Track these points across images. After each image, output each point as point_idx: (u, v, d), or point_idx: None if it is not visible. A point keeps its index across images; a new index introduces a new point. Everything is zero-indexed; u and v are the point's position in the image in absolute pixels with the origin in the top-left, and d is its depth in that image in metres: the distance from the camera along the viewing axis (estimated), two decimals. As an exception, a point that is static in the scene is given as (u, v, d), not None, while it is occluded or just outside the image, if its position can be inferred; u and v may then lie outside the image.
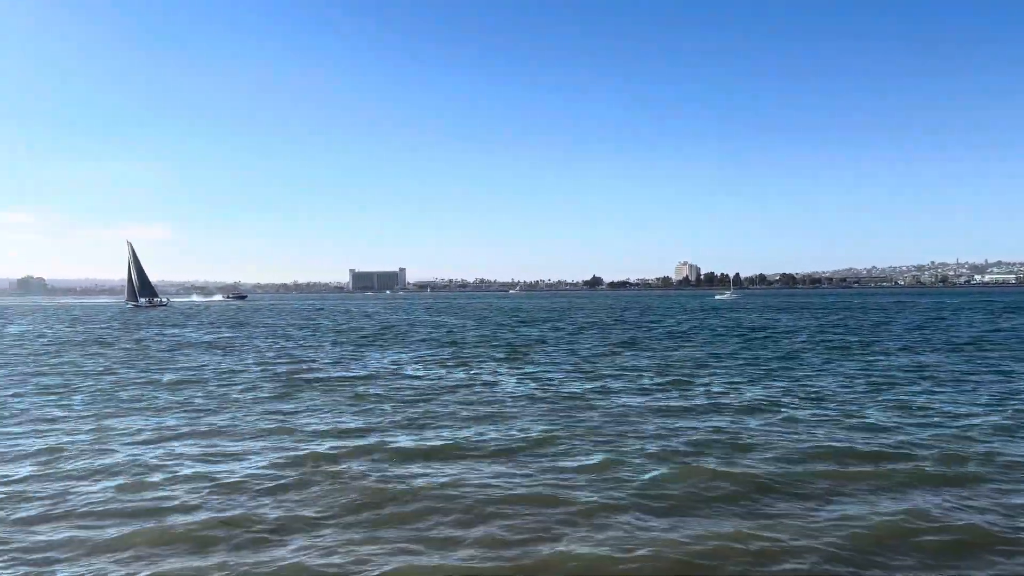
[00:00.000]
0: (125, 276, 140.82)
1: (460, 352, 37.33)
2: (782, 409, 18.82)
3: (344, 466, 13.23)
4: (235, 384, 25.06)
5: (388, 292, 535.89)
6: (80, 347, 44.07)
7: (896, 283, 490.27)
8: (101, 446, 15.17)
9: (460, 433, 16.20)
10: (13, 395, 22.81)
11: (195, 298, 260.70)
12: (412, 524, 10.18)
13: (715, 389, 22.52)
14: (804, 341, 41.40)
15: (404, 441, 15.42)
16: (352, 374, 27.82)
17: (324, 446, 14.88)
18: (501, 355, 35.13)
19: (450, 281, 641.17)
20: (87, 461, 13.82)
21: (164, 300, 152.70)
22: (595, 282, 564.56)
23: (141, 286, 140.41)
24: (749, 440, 15.11)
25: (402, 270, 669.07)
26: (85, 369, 30.54)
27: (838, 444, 14.62)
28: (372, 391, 23.10)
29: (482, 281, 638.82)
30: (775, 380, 24.66)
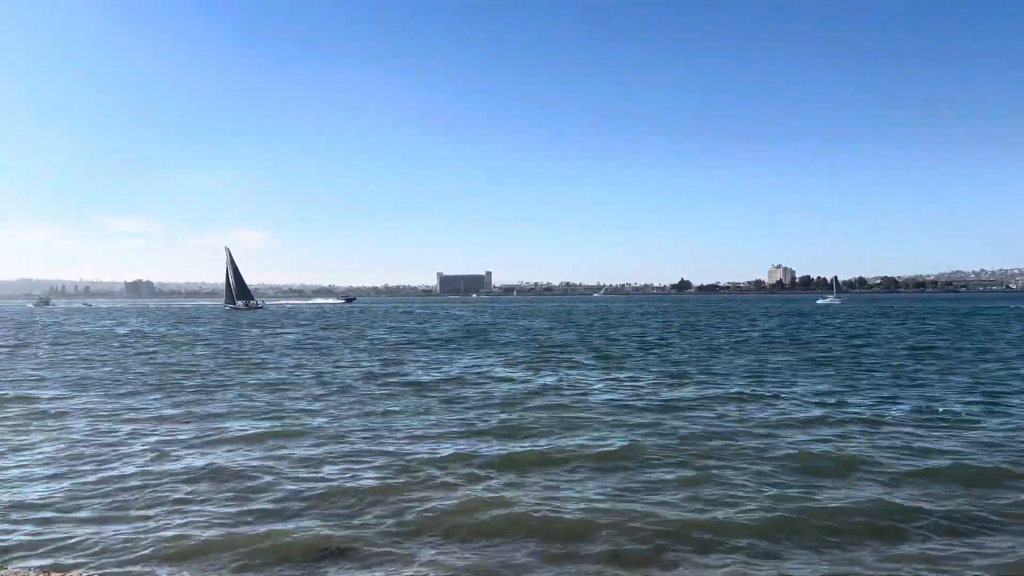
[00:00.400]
0: (227, 279, 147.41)
1: (548, 355, 36.81)
2: (898, 426, 17.40)
3: (441, 473, 12.81)
4: (330, 385, 25.28)
5: (474, 295, 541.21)
6: (185, 347, 45.86)
7: (1007, 287, 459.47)
8: (202, 447, 15.35)
9: (558, 442, 15.51)
10: (125, 393, 23.66)
11: (317, 300, 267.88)
12: (507, 538, 9.67)
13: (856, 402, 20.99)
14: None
15: (499, 448, 14.93)
16: (442, 376, 27.70)
17: (421, 451, 14.54)
18: (589, 359, 34.40)
19: (535, 284, 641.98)
20: (187, 461, 13.96)
21: (260, 303, 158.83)
22: (683, 285, 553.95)
23: (238, 289, 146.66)
24: (857, 455, 13.91)
25: (488, 273, 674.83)
26: (188, 368, 31.57)
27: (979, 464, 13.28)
28: (463, 393, 22.85)
29: (567, 285, 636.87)
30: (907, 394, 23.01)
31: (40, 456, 14.52)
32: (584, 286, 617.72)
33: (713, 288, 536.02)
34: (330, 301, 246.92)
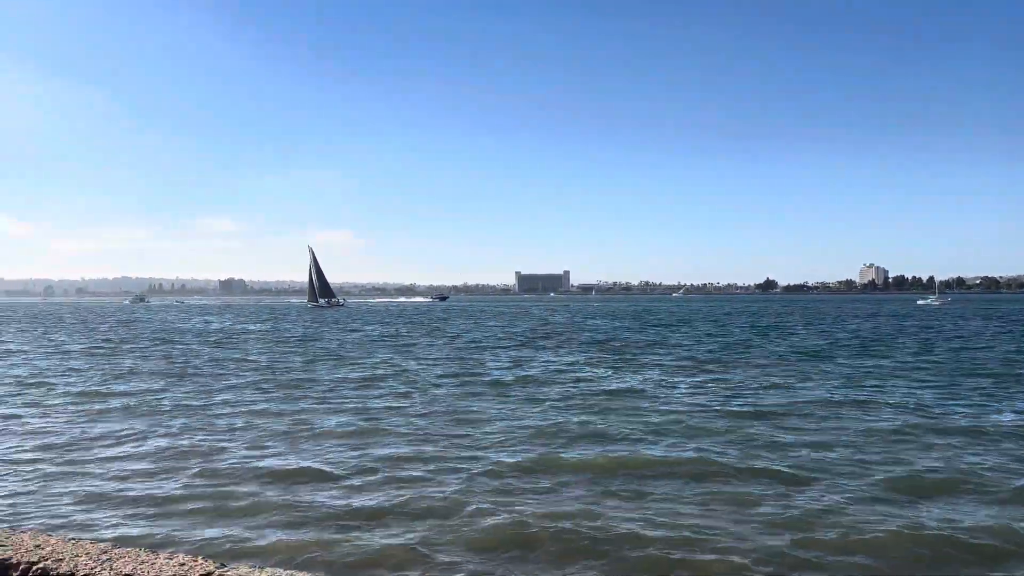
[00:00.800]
0: (310, 278, 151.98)
1: (628, 354, 36.24)
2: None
3: (521, 479, 12.64)
4: (414, 383, 25.52)
5: (552, 294, 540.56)
6: (275, 344, 47.36)
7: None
8: (294, 444, 15.67)
9: (641, 448, 15.08)
10: (222, 388, 24.50)
11: (401, 299, 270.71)
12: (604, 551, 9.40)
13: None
14: None
15: (581, 453, 14.59)
16: (523, 374, 27.57)
17: (502, 455, 14.43)
18: (671, 359, 33.64)
19: (614, 284, 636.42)
20: (279, 459, 14.25)
21: (341, 300, 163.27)
22: (768, 285, 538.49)
23: (320, 287, 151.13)
24: (974, 472, 12.97)
25: (566, 272, 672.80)
26: (279, 365, 32.49)
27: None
28: (544, 393, 22.63)
29: (647, 284, 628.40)
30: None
31: (146, 449, 15.10)
32: (664, 285, 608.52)
33: (800, 288, 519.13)
34: (423, 299, 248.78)
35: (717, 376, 27.53)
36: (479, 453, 14.59)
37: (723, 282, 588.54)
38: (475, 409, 19.82)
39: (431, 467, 13.47)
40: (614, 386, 24.54)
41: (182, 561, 3.51)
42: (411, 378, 27.35)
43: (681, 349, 40.77)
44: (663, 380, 26.33)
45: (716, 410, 19.56)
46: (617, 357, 35.58)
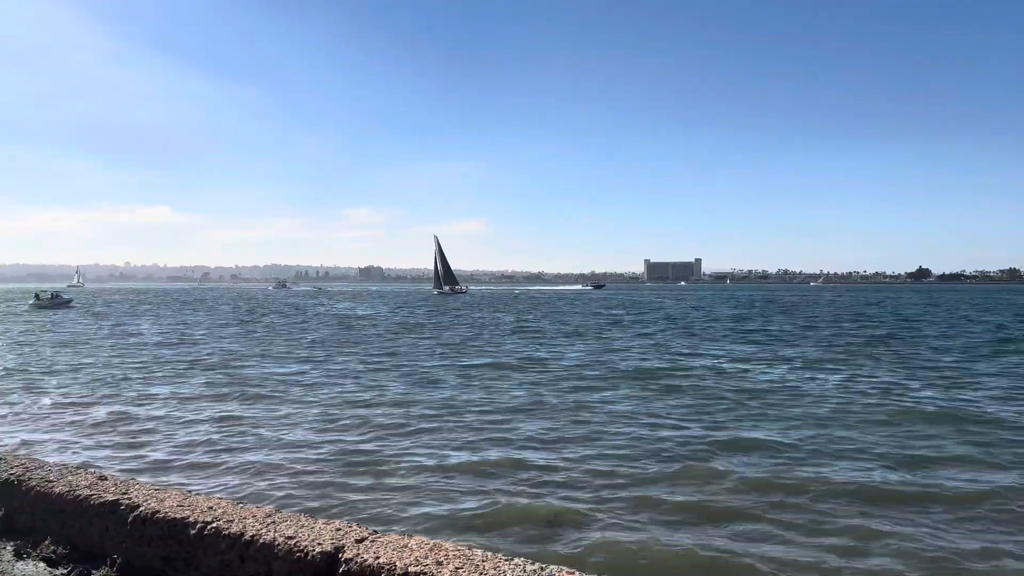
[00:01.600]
0: (435, 266, 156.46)
1: (775, 347, 34.75)
2: None
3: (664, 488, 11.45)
4: (548, 371, 25.41)
5: (683, 283, 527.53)
6: (415, 328, 49.12)
7: None
8: (442, 424, 16.20)
9: (805, 460, 13.10)
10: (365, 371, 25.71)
11: (578, 286, 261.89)
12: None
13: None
14: None
15: (727, 458, 13.16)
16: (661, 366, 26.98)
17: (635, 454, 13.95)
18: (820, 353, 31.86)
19: (749, 272, 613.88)
20: (432, 437, 14.76)
21: (463, 288, 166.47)
22: (921, 274, 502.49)
23: (445, 275, 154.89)
24: None
25: (698, 260, 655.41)
26: (414, 350, 33.65)
27: None
28: (681, 385, 22.07)
29: (785, 272, 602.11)
30: None
31: (309, 419, 16.09)
32: (804, 274, 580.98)
33: (957, 277, 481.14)
34: (578, 287, 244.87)
35: (880, 373, 25.97)
36: (615, 440, 14.49)
37: (870, 270, 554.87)
38: (617, 400, 19.66)
39: (580, 450, 13.51)
40: (762, 382, 23.64)
41: (338, 526, 3.72)
42: (550, 365, 27.50)
43: (829, 342, 38.75)
44: (815, 375, 25.14)
45: (877, 405, 18.44)
46: (765, 350, 34.25)
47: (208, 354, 31.49)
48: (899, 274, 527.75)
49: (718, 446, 14.00)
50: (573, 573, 3.19)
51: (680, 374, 24.63)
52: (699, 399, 19.45)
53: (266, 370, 25.65)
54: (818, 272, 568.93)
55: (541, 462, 12.69)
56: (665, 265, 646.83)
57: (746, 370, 25.78)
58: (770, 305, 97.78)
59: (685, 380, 23.07)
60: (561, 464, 12.56)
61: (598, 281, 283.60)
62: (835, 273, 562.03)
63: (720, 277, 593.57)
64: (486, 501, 10.49)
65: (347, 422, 16.26)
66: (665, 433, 15.20)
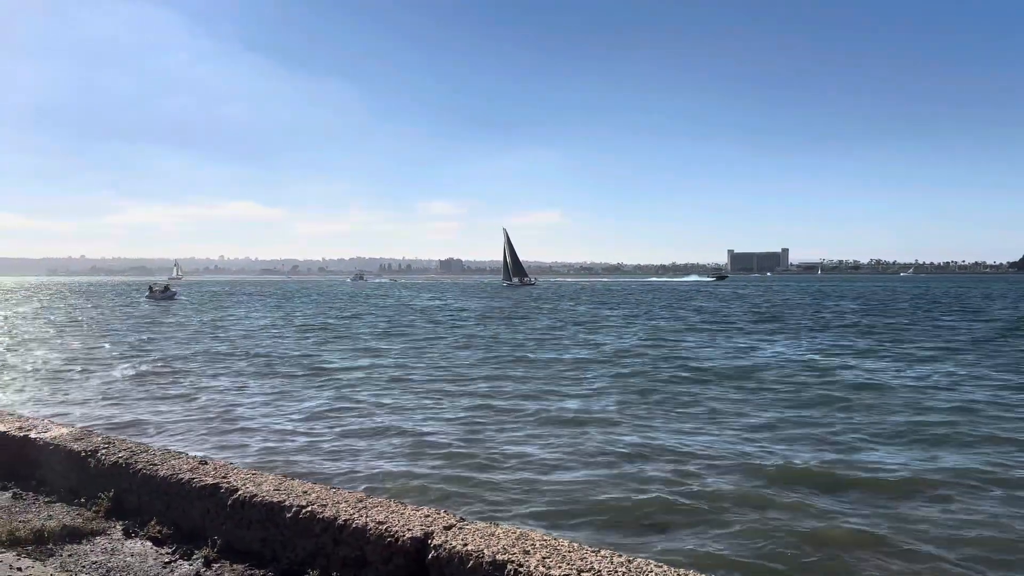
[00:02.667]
0: (504, 258, 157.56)
1: (870, 339, 33.17)
2: None
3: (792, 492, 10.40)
4: (624, 366, 24.87)
5: (769, 274, 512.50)
6: (499, 321, 49.51)
7: None
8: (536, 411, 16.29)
9: (905, 460, 11.86)
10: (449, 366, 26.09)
11: (693, 277, 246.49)
12: None
13: None
14: None
15: (818, 465, 11.62)
16: (744, 363, 26.09)
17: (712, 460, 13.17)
18: (914, 347, 30.34)
19: (839, 262, 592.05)
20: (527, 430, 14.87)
21: (532, 279, 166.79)
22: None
23: (514, 267, 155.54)
24: None
25: (784, 250, 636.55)
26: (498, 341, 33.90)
27: None
28: (770, 385, 21.34)
29: (878, 262, 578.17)
30: None
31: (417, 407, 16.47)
32: (899, 263, 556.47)
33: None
34: (694, 279, 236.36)
35: (990, 371, 24.54)
36: (691, 444, 14.21)
37: (968, 259, 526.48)
38: (703, 402, 19.31)
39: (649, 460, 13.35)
40: (849, 377, 22.76)
41: (427, 513, 3.78)
42: (625, 360, 27.28)
43: (920, 336, 36.95)
44: (915, 371, 24.02)
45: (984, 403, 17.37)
46: (859, 345, 32.98)
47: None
48: (1001, 263, 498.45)
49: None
50: (661, 567, 3.15)
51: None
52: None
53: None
54: (914, 261, 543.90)
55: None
56: (750, 256, 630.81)
57: None
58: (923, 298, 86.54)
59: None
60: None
61: (720, 272, 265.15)
62: (931, 263, 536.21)
63: (809, 268, 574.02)
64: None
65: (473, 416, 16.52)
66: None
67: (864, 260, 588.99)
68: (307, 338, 35.73)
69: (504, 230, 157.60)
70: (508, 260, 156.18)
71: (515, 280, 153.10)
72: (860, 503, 9.88)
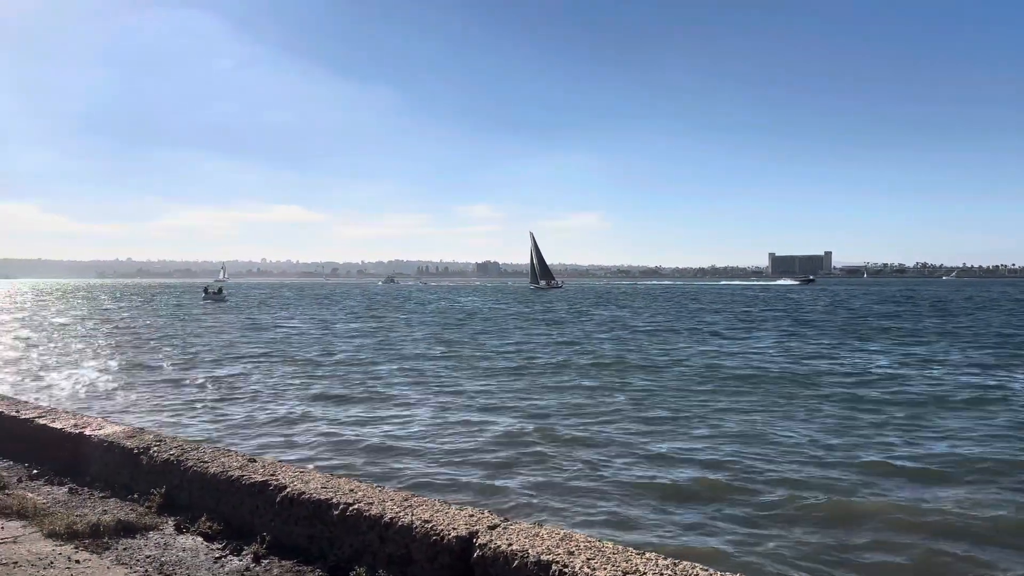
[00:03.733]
0: (531, 261, 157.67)
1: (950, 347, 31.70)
2: None
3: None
4: (688, 374, 23.23)
5: (812, 277, 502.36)
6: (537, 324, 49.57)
7: None
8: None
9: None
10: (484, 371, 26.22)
11: (783, 281, 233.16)
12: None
13: None
14: None
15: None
16: (822, 370, 24.19)
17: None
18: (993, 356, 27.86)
19: (884, 266, 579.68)
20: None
21: (560, 283, 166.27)
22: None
23: (541, 270, 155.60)
24: None
25: (827, 253, 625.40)
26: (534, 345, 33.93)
27: None
28: (863, 394, 19.01)
29: (924, 265, 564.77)
30: None
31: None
32: (945, 267, 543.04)
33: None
34: (784, 283, 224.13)
35: None
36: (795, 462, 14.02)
37: (1019, 263, 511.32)
38: (797, 417, 19.03)
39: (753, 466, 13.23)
40: (946, 387, 21.10)
41: (471, 513, 3.82)
42: (688, 366, 27.05)
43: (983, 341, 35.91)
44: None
45: None
46: (952, 352, 32.01)
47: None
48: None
49: None
50: (708, 570, 3.14)
51: None
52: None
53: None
54: (962, 265, 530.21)
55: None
56: (792, 258, 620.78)
57: None
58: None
59: None
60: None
61: (806, 275, 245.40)
62: (979, 267, 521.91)
63: (853, 271, 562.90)
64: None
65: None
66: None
67: (909, 263, 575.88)
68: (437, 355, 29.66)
69: (531, 234, 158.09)
70: (535, 264, 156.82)
71: (542, 283, 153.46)
72: None
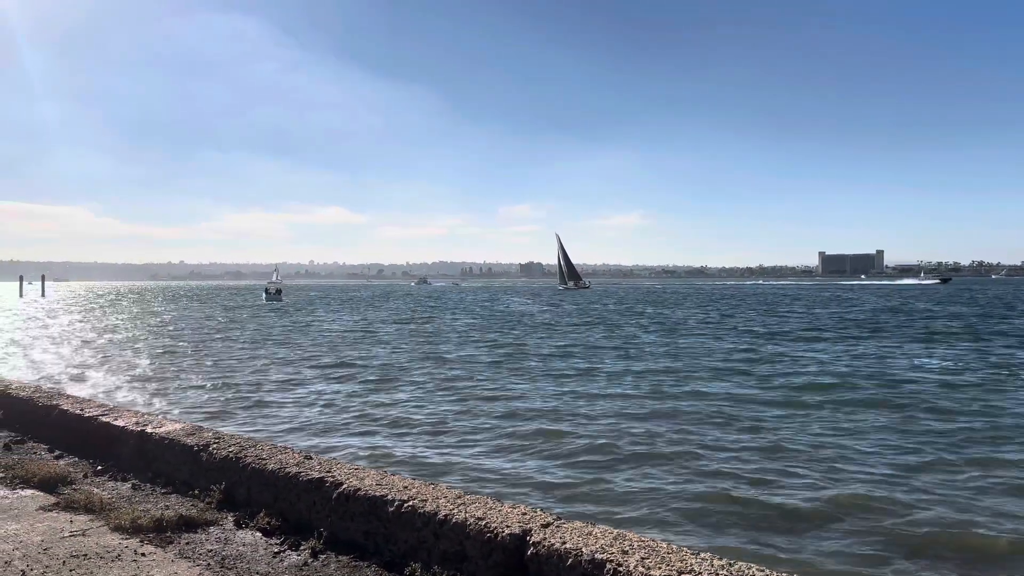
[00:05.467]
0: (558, 263, 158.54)
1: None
2: None
3: None
4: (725, 373, 23.73)
5: (863, 276, 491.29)
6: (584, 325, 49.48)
7: None
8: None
9: None
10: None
11: (908, 280, 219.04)
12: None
13: None
14: None
15: None
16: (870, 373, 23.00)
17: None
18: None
19: (939, 264, 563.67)
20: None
21: (587, 283, 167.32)
22: None
23: (568, 271, 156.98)
24: None
25: (879, 252, 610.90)
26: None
27: None
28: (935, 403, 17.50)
29: (980, 263, 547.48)
30: None
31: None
32: (1002, 265, 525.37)
33: None
34: (917, 281, 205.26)
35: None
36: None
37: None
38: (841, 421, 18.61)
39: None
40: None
41: (524, 511, 3.85)
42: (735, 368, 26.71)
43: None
44: None
45: None
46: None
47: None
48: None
49: None
50: (763, 570, 3.12)
51: None
52: None
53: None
54: (1021, 264, 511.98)
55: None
56: (842, 257, 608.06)
57: None
58: None
59: None
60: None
61: (944, 274, 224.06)
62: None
63: (905, 269, 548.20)
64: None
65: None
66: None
67: (964, 262, 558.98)
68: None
69: (557, 235, 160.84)
70: (563, 265, 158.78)
71: (570, 284, 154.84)
72: None
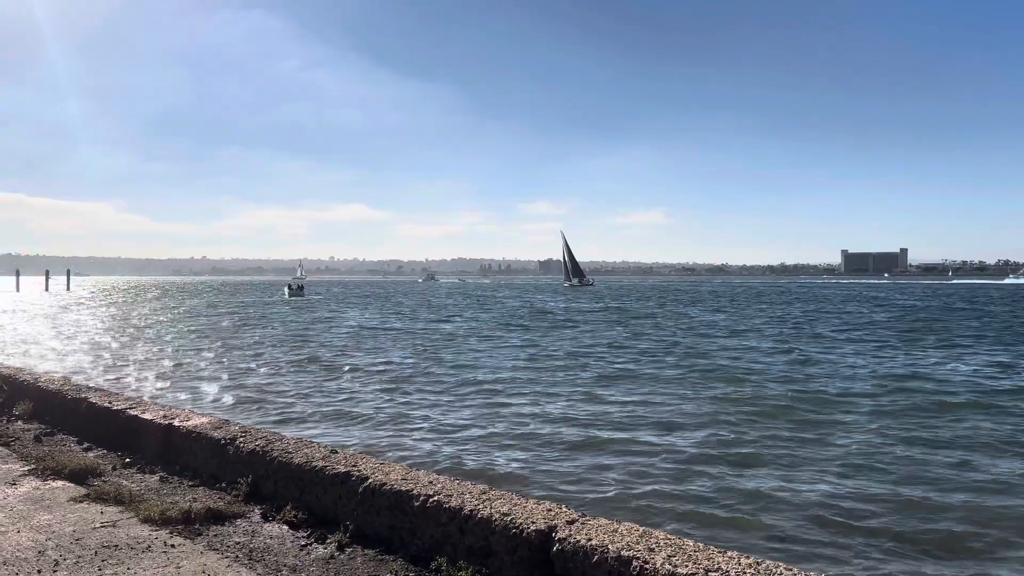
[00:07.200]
0: (563, 260, 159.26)
1: None
2: None
3: None
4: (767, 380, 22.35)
5: (886, 275, 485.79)
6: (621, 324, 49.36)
7: None
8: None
9: None
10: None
11: (1010, 279, 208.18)
12: None
13: None
14: None
15: None
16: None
17: None
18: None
19: (964, 263, 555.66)
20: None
21: (591, 280, 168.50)
22: None
23: (572, 268, 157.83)
24: None
25: (903, 250, 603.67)
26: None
27: None
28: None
29: (1006, 262, 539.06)
30: None
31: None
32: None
33: None
34: (1012, 280, 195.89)
35: None
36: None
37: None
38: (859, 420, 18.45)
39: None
40: None
41: (549, 507, 3.86)
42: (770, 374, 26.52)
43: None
44: None
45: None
46: None
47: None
48: None
49: None
50: (791, 569, 3.11)
51: None
52: None
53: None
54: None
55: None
56: (865, 256, 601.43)
57: None
58: None
59: None
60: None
61: None
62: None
63: (930, 268, 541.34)
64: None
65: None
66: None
67: (990, 260, 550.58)
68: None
69: (561, 233, 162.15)
70: (567, 262, 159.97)
71: (575, 280, 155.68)
72: None
